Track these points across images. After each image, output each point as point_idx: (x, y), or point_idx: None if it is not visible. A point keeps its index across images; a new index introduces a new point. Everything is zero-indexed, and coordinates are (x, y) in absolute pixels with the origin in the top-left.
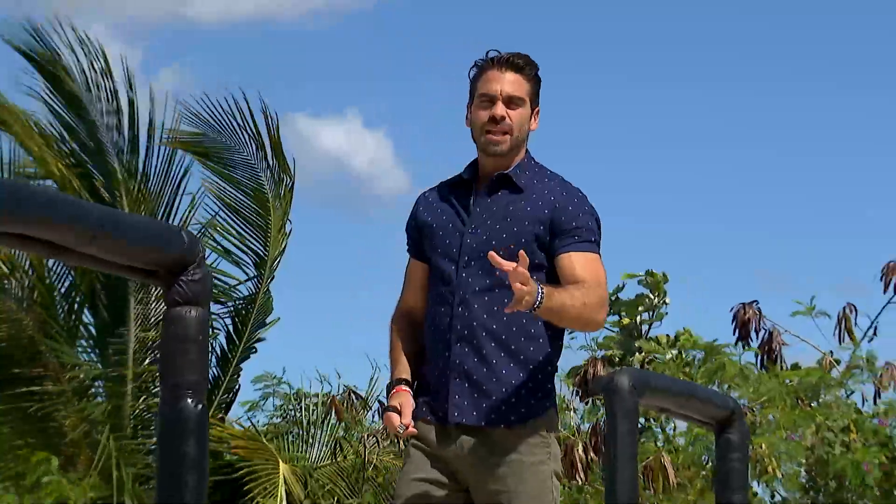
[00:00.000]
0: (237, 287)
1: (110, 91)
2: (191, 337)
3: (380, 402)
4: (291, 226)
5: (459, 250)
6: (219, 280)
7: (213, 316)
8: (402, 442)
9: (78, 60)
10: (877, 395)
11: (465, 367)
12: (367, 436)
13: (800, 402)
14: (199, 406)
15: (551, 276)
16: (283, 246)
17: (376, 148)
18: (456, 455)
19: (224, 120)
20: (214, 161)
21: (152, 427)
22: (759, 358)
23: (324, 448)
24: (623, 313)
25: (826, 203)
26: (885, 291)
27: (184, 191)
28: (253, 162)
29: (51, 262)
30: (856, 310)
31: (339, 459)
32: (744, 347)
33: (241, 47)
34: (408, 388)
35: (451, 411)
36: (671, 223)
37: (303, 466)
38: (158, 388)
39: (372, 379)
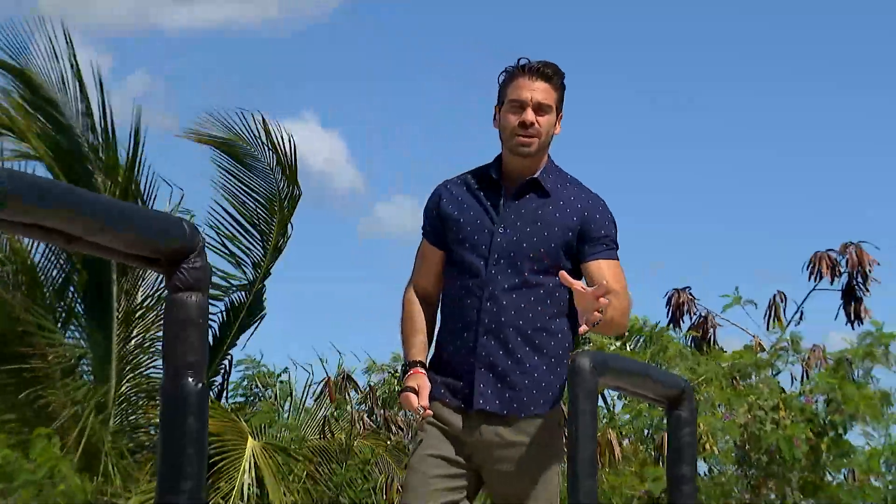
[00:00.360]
0: (233, 283)
1: (82, 93)
2: (191, 321)
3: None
4: (293, 229)
5: (489, 248)
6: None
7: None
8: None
9: (57, 64)
10: (804, 375)
11: (490, 359)
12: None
13: (734, 381)
14: (199, 385)
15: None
16: (281, 247)
17: (331, 147)
18: (476, 439)
19: (246, 129)
20: (238, 163)
21: (138, 405)
22: (693, 340)
23: (307, 427)
24: None
25: (825, 203)
26: (810, 279)
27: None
28: (268, 171)
29: (40, 248)
30: (785, 297)
31: (327, 438)
32: (676, 330)
33: (206, 54)
34: (424, 371)
35: (476, 399)
36: (672, 223)
37: (273, 444)
38: (142, 369)
39: (323, 360)
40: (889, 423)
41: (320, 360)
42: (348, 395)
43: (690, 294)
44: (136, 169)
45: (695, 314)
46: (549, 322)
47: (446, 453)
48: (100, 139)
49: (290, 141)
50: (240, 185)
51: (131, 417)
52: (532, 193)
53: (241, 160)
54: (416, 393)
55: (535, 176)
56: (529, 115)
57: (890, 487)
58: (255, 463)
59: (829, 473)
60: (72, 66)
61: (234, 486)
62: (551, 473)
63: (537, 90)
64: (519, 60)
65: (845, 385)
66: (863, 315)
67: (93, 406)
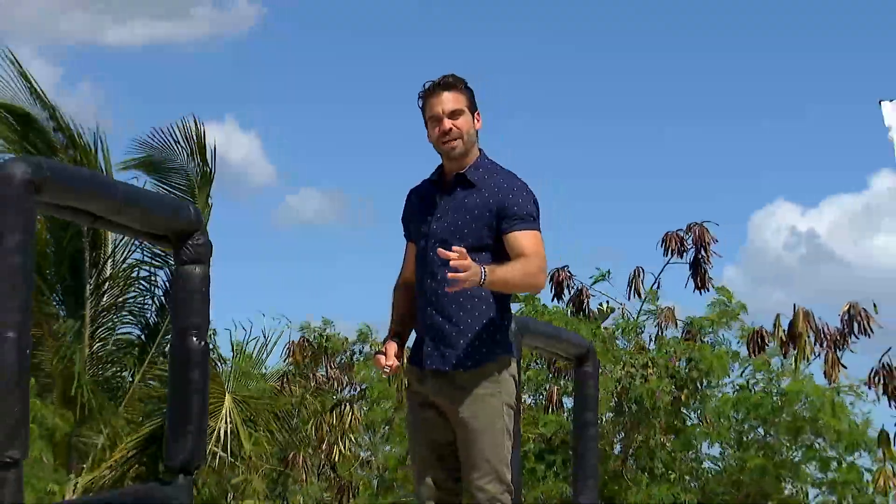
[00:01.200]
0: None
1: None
2: (196, 288)
3: None
4: (212, 201)
5: (429, 234)
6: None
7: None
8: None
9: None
10: (659, 332)
11: (434, 326)
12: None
13: (605, 343)
14: (202, 343)
15: (498, 253)
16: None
17: (249, 147)
18: (435, 392)
19: (165, 133)
20: (157, 169)
21: (109, 360)
22: (571, 310)
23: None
24: None
25: (674, 188)
26: (665, 255)
27: None
28: (182, 160)
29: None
30: (643, 271)
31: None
32: (558, 301)
33: (143, 66)
34: (396, 340)
35: (425, 360)
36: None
37: (244, 397)
38: (112, 329)
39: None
40: (737, 377)
41: (288, 322)
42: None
43: (569, 272)
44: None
45: (573, 288)
46: (479, 291)
47: (427, 405)
48: (65, 137)
49: (202, 130)
50: (164, 177)
51: (102, 370)
52: (459, 187)
53: (162, 164)
54: (385, 355)
55: (462, 172)
56: (446, 124)
57: (736, 427)
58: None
59: (689, 418)
60: (29, 80)
61: (213, 430)
62: (494, 418)
63: (445, 101)
64: (425, 84)
65: (702, 347)
66: (707, 284)
67: (71, 359)
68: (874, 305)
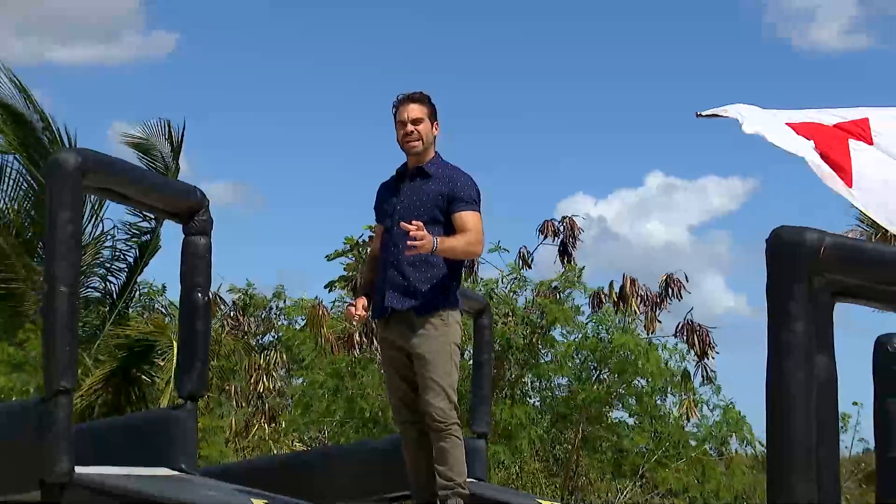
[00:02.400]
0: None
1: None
2: (201, 255)
3: None
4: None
5: (393, 214)
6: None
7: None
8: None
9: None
10: (535, 296)
11: (394, 283)
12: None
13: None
14: (206, 299)
15: (448, 228)
16: None
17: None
18: (395, 335)
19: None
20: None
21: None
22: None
23: None
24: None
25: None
26: (538, 235)
27: None
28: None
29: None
30: (529, 250)
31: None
32: None
33: (83, 82)
34: (364, 297)
35: (387, 301)
36: None
37: None
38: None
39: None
40: (581, 326)
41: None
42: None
43: None
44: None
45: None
46: (430, 256)
47: (391, 345)
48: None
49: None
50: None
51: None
52: (419, 177)
53: (147, 152)
54: (354, 307)
55: (421, 165)
56: (409, 127)
57: (578, 366)
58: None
59: (543, 357)
60: (23, 88)
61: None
62: (442, 351)
63: (411, 110)
64: (398, 96)
65: (551, 301)
66: (573, 262)
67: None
68: (685, 276)
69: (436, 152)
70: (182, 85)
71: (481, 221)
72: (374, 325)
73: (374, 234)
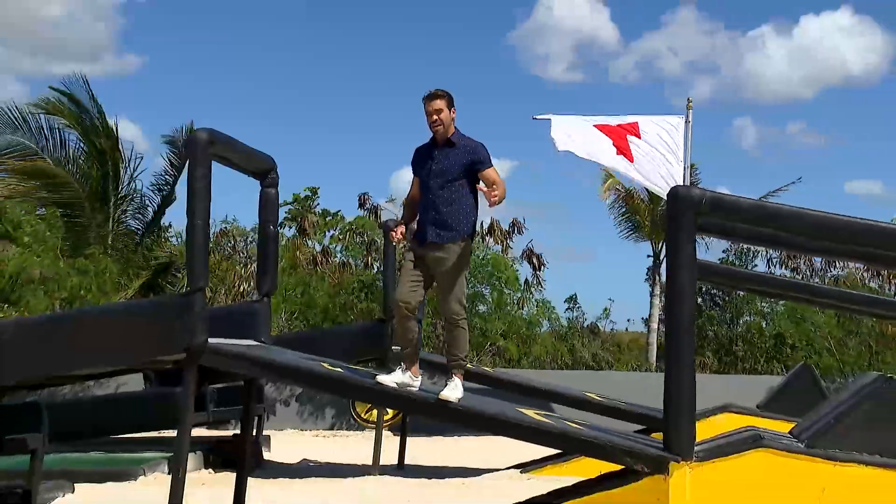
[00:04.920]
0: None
1: None
2: (272, 202)
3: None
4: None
5: (430, 172)
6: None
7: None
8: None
9: None
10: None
11: (431, 219)
12: None
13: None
14: (274, 229)
15: (468, 181)
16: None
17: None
18: (426, 254)
19: None
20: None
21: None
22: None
23: None
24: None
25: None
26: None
27: None
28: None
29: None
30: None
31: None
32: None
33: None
34: (404, 225)
35: (425, 237)
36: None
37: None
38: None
39: None
40: None
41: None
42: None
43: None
44: None
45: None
46: (454, 200)
47: (416, 262)
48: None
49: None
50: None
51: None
52: (446, 147)
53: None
54: (396, 231)
55: (449, 138)
56: (434, 117)
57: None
58: None
59: None
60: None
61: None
62: (458, 270)
63: (434, 104)
64: (427, 93)
65: None
66: None
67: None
68: (523, 220)
69: (455, 127)
70: (147, 92)
71: (498, 172)
72: (409, 244)
73: (412, 184)
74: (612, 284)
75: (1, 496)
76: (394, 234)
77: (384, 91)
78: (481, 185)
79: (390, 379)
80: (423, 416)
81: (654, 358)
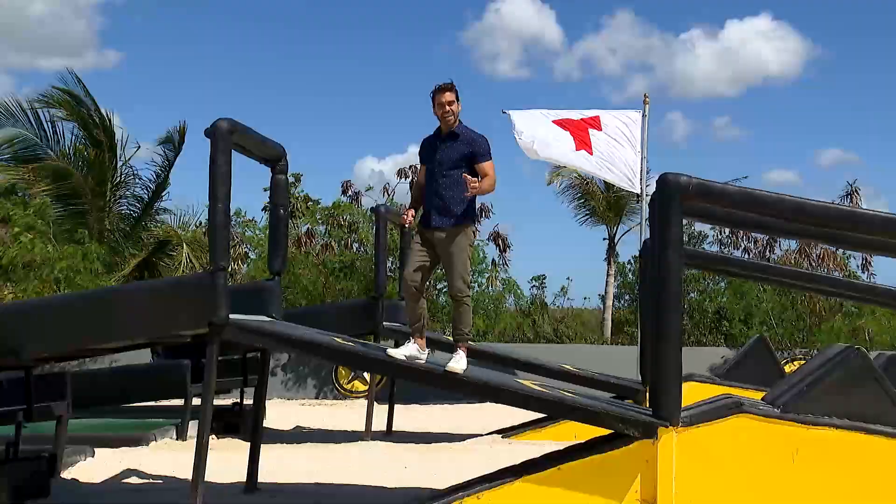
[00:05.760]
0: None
1: None
2: (283, 186)
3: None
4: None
5: (435, 160)
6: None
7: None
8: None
9: None
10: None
11: (436, 205)
12: None
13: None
14: (285, 213)
15: (468, 170)
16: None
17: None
18: (432, 238)
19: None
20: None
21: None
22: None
23: None
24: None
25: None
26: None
27: None
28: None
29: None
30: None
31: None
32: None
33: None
34: (412, 210)
35: (430, 221)
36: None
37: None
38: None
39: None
40: None
41: None
42: None
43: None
44: None
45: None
46: (458, 188)
47: (424, 245)
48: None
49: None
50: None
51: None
52: (450, 139)
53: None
54: (406, 215)
55: (453, 129)
56: (446, 108)
57: None
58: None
59: None
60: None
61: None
62: (462, 252)
63: (446, 96)
64: (436, 86)
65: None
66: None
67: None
68: (491, 206)
69: (460, 120)
70: (127, 84)
71: (494, 167)
72: (416, 227)
73: (420, 171)
74: (570, 264)
75: (30, 460)
76: (404, 217)
77: (336, 91)
78: (466, 174)
79: (400, 352)
80: (431, 386)
81: (609, 332)
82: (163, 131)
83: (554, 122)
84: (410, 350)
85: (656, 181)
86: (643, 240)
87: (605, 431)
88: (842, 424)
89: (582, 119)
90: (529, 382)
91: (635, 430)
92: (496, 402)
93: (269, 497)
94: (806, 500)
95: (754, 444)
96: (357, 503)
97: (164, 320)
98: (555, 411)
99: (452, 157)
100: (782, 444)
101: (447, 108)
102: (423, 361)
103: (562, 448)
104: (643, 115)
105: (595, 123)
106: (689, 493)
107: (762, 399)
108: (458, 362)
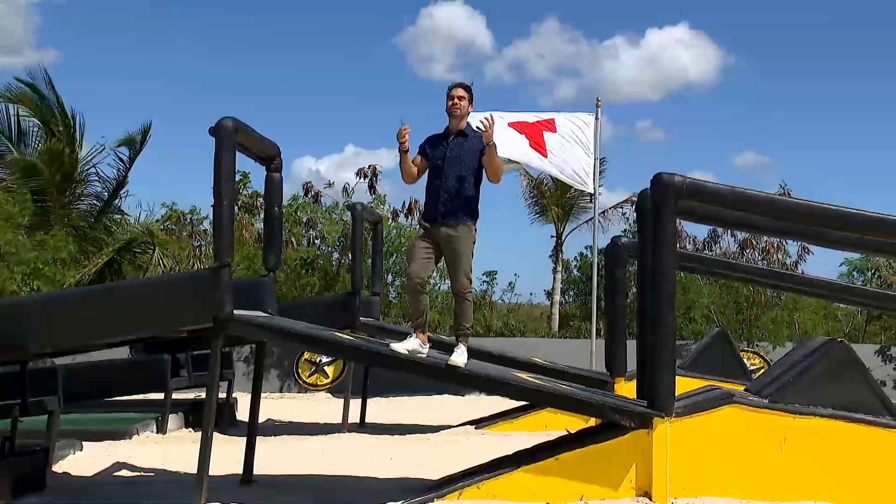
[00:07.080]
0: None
1: None
2: (276, 184)
3: None
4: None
5: (445, 158)
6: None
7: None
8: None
9: None
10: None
11: (444, 200)
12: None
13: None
14: (279, 210)
15: (479, 169)
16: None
17: None
18: (438, 234)
19: None
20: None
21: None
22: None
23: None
24: None
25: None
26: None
27: None
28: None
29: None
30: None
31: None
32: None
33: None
34: (407, 149)
35: (437, 217)
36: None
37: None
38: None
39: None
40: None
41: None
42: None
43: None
44: None
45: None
46: (467, 186)
47: (428, 242)
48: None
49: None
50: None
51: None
52: (460, 137)
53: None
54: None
55: (461, 129)
56: (455, 100)
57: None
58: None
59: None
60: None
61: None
62: (466, 249)
63: (458, 91)
64: (452, 82)
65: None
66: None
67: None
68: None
69: (468, 123)
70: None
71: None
72: (420, 223)
73: (416, 160)
74: (516, 261)
75: (28, 454)
76: (403, 132)
77: (275, 91)
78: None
79: (402, 346)
80: (433, 379)
81: (557, 326)
82: (101, 130)
83: (510, 124)
84: (412, 344)
85: (651, 181)
86: (611, 238)
87: (576, 422)
88: (827, 413)
89: (537, 122)
90: (526, 375)
91: (632, 420)
92: (501, 396)
93: (268, 489)
94: (793, 485)
95: (744, 434)
96: (358, 495)
97: (171, 315)
98: (554, 403)
99: (466, 156)
100: (771, 432)
101: (456, 100)
102: (425, 356)
103: (555, 438)
104: (595, 118)
105: (549, 125)
106: (682, 482)
107: (745, 389)
108: (459, 356)
